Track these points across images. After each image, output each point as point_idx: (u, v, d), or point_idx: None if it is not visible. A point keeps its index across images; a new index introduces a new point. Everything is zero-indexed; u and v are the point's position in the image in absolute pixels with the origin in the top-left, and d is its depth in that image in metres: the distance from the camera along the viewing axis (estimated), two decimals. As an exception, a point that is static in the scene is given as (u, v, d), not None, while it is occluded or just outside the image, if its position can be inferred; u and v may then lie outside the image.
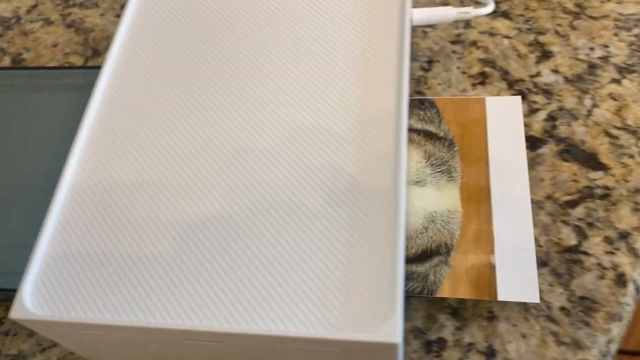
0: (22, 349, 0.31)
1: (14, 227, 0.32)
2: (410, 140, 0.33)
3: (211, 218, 0.24)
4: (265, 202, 0.24)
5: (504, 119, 0.33)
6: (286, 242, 0.23)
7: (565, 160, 0.33)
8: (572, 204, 0.31)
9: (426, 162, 0.32)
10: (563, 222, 0.31)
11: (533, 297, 0.28)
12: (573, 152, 0.33)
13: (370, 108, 0.26)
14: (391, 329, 0.21)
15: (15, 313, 0.23)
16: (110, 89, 0.29)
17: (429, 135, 0.33)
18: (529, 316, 0.29)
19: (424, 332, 0.29)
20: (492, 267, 0.28)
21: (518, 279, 0.28)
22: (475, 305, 0.29)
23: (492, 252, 0.29)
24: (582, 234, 0.31)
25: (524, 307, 0.29)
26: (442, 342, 0.29)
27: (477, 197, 0.30)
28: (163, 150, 0.26)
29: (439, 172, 0.31)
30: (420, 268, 0.29)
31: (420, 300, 0.30)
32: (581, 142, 0.33)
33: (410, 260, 0.29)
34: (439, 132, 0.33)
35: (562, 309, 0.29)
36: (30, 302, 0.23)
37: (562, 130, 0.34)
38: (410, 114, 0.33)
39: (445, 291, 0.28)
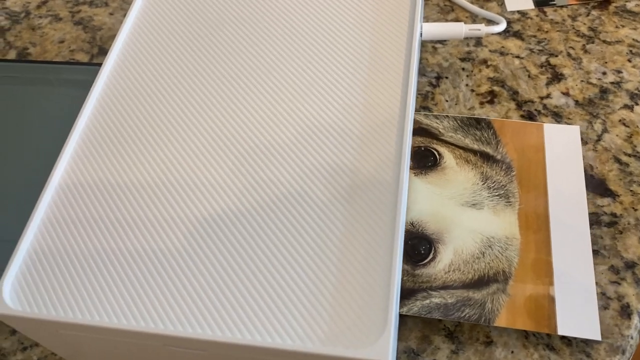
0: (3, 346, 0.30)
1: (5, 221, 0.31)
2: (467, 161, 0.31)
3: (201, 223, 0.23)
4: (261, 212, 0.24)
5: (563, 148, 0.31)
6: (278, 252, 0.22)
7: (573, 184, 0.32)
8: (578, 229, 0.30)
9: (483, 184, 0.31)
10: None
11: (594, 334, 0.26)
12: (581, 176, 0.32)
13: (375, 113, 0.25)
14: (382, 347, 0.20)
15: (-7, 308, 0.22)
16: (107, 88, 0.28)
17: (486, 157, 0.31)
18: (528, 343, 0.28)
19: (417, 354, 0.28)
20: (551, 300, 0.27)
21: (578, 314, 0.27)
22: (472, 328, 0.28)
23: (551, 283, 0.28)
24: (586, 262, 0.29)
25: (523, 334, 0.28)
26: (435, 366, 0.28)
27: (536, 226, 0.29)
28: (153, 152, 0.26)
29: (496, 195, 0.30)
30: (477, 294, 0.28)
31: (415, 321, 0.29)
32: (590, 167, 0.32)
33: (466, 285, 0.28)
34: (496, 155, 0.31)
35: (563, 338, 0.28)
36: (10, 297, 0.22)
37: (571, 154, 0.33)
38: (466, 133, 0.32)
39: (503, 320, 0.27)
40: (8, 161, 0.33)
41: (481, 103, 0.35)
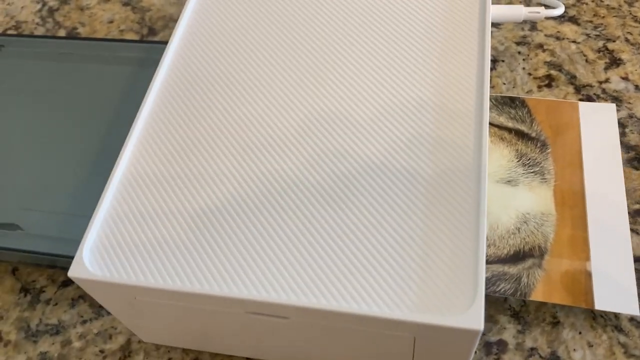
0: (63, 319, 0.30)
1: (66, 195, 0.31)
2: (501, 138, 0.32)
3: (282, 186, 0.23)
4: (342, 176, 0.23)
5: (599, 125, 0.32)
6: (363, 217, 0.22)
7: (635, 168, 0.32)
8: (642, 213, 0.30)
9: (518, 161, 0.31)
10: (632, 230, 0.30)
11: (633, 309, 0.26)
12: (643, 160, 0.32)
13: (450, 91, 0.25)
14: (475, 314, 0.19)
15: (74, 272, 0.22)
16: (174, 65, 0.28)
17: (520, 135, 0.32)
18: (596, 325, 0.27)
19: (483, 333, 0.28)
20: (588, 275, 0.27)
21: (616, 289, 0.27)
22: (538, 308, 0.28)
23: (587, 258, 0.28)
24: (653, 244, 0.29)
25: (590, 314, 0.28)
26: (502, 345, 0.27)
27: (572, 202, 0.29)
28: (229, 122, 0.26)
29: (531, 172, 0.30)
30: (512, 269, 0.28)
31: (480, 300, 0.28)
32: (652, 151, 0.32)
33: (502, 260, 0.28)
34: (530, 132, 0.32)
35: (632, 319, 0.27)
36: (89, 262, 0.22)
37: (632, 138, 0.33)
38: (500, 111, 0.33)
39: (539, 295, 0.27)
40: (66, 138, 0.33)
41: (539, 87, 0.35)
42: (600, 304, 0.26)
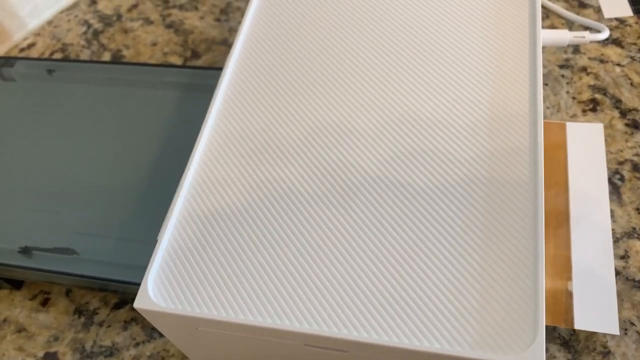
0: (116, 341, 0.31)
1: (118, 220, 0.32)
2: None
3: (341, 222, 0.24)
4: (398, 209, 0.24)
5: (586, 146, 0.32)
6: (422, 252, 0.23)
7: (684, 195, 0.31)
8: (692, 241, 0.30)
9: None
10: (615, 250, 0.29)
11: (612, 329, 0.27)
12: (692, 187, 0.32)
13: (505, 108, 0.25)
14: (536, 352, 0.20)
15: (139, 303, 0.23)
16: (231, 89, 0.29)
17: None
18: (648, 355, 0.27)
19: (533, 362, 0.28)
20: (569, 294, 0.28)
21: (597, 308, 0.27)
22: (588, 338, 0.28)
23: (569, 278, 0.28)
24: None
25: (642, 345, 0.28)
26: (552, 374, 0.27)
27: (556, 222, 0.30)
28: (283, 152, 0.26)
29: None
30: None
31: (529, 328, 0.29)
32: (701, 177, 0.32)
33: None
34: None
35: (684, 350, 0.27)
36: (153, 294, 0.23)
37: (679, 164, 0.32)
38: None
39: None
40: (115, 164, 0.34)
41: (583, 111, 0.35)
42: (579, 324, 0.27)
